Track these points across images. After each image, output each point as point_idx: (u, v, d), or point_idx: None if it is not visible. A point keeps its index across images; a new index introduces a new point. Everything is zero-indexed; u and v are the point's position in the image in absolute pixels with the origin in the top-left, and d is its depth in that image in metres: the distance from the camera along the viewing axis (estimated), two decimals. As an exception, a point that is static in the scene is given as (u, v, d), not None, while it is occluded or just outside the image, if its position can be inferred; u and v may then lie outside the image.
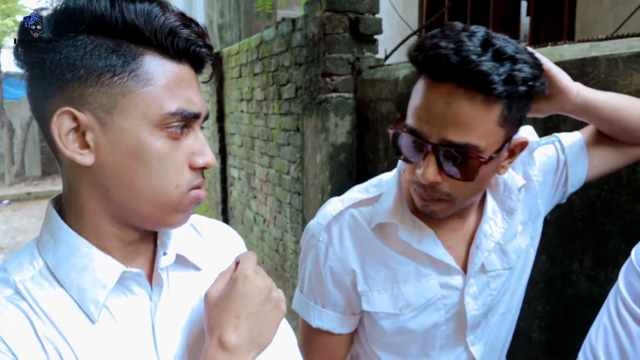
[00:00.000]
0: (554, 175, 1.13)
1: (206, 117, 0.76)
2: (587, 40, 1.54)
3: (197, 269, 0.83)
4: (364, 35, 2.58)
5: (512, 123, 0.90)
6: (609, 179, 1.38)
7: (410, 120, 0.92)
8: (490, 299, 1.09)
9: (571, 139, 1.13)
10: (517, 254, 1.11)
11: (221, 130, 5.26)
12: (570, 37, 3.30)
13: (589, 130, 1.14)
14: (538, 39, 3.75)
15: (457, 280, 1.07)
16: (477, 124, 0.85)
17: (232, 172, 5.04)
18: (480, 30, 0.87)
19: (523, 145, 0.97)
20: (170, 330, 0.77)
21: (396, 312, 1.07)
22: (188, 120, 0.71)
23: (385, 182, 1.10)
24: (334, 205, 1.11)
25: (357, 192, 1.12)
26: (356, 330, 1.17)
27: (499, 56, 0.83)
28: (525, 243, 1.12)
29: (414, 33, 3.23)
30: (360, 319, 1.14)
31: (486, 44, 0.84)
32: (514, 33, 3.87)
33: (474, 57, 0.82)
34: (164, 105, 0.68)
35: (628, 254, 0.93)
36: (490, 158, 0.88)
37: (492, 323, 1.14)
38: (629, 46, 1.36)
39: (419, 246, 1.03)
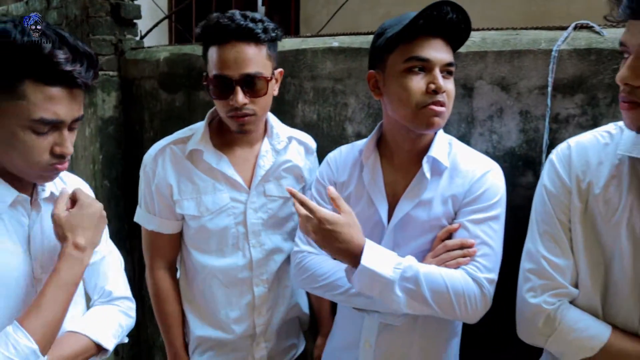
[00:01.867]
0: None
1: (77, 120, 1.13)
2: (300, 36, 2.20)
3: None
4: (124, 19, 2.88)
5: (273, 58, 1.50)
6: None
7: (215, 72, 1.43)
8: (267, 215, 1.61)
9: None
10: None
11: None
12: (296, 26, 4.06)
13: None
14: (272, 26, 4.45)
15: (242, 195, 1.58)
16: (257, 59, 1.43)
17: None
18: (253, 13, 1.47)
19: (281, 73, 1.56)
20: (41, 241, 1.19)
21: (198, 215, 1.56)
22: (52, 124, 1.07)
23: (196, 127, 1.61)
24: (159, 143, 1.61)
25: (176, 134, 1.62)
26: (182, 237, 1.65)
27: (254, 19, 1.43)
28: (296, 188, 1.64)
29: (165, 17, 3.61)
30: (182, 227, 1.63)
31: (245, 16, 1.44)
32: (253, 20, 4.52)
33: (242, 22, 1.41)
34: (31, 113, 1.05)
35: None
36: (271, 78, 1.47)
37: (274, 239, 1.63)
38: (324, 42, 2.02)
39: (217, 166, 1.54)
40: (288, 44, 2.12)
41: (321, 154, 1.67)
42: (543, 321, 1.14)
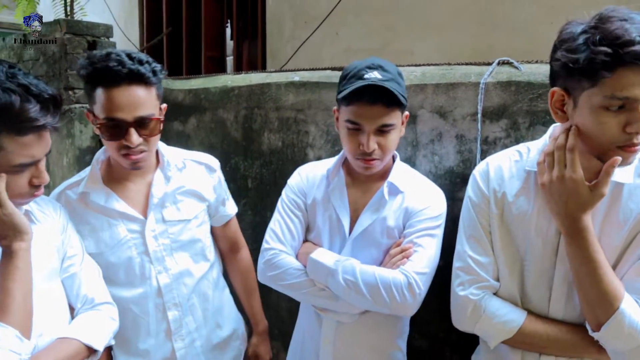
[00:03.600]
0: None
1: (47, 154, 1.26)
2: (265, 71, 2.43)
3: (37, 222, 1.40)
4: (101, 55, 3.08)
5: (160, 97, 1.57)
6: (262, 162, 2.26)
7: (107, 115, 1.46)
8: (170, 240, 1.65)
9: None
10: (190, 210, 1.69)
11: None
12: (263, 59, 4.30)
13: None
14: (241, 57, 4.69)
15: (139, 226, 1.62)
16: (148, 101, 1.50)
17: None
18: (118, 51, 1.50)
19: (164, 108, 1.61)
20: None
21: (98, 251, 1.58)
22: (30, 163, 1.22)
23: (88, 169, 1.65)
24: (57, 189, 1.65)
25: (74, 177, 1.68)
26: None
27: (141, 61, 1.48)
28: (199, 208, 1.73)
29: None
30: None
31: (131, 58, 1.47)
32: (222, 53, 4.75)
33: (132, 66, 1.45)
34: (10, 161, 1.19)
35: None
36: (161, 117, 1.55)
37: (181, 263, 1.67)
38: (287, 77, 2.26)
39: (106, 203, 1.59)
40: (254, 78, 2.35)
41: (285, 179, 1.86)
42: (470, 310, 1.36)
